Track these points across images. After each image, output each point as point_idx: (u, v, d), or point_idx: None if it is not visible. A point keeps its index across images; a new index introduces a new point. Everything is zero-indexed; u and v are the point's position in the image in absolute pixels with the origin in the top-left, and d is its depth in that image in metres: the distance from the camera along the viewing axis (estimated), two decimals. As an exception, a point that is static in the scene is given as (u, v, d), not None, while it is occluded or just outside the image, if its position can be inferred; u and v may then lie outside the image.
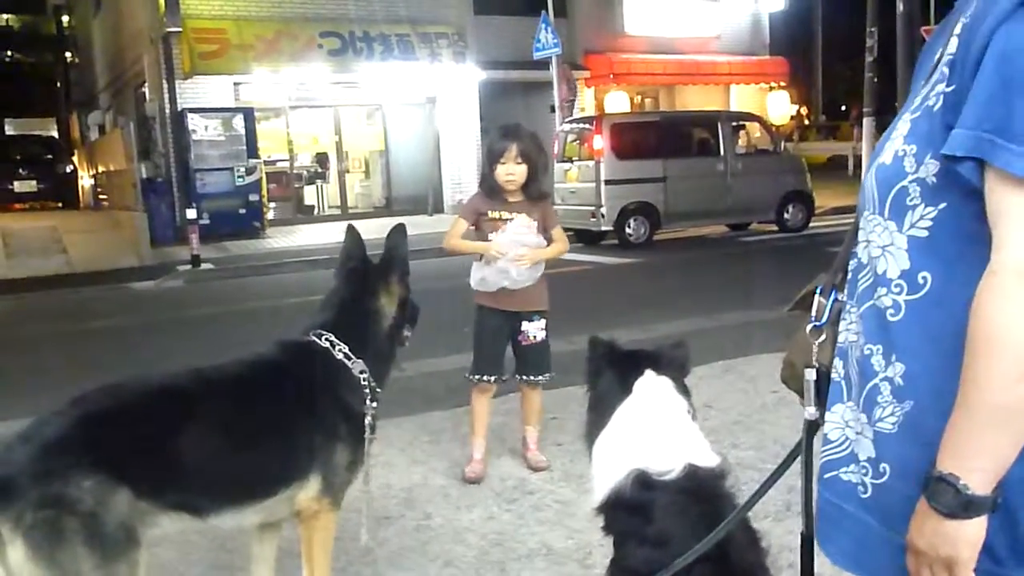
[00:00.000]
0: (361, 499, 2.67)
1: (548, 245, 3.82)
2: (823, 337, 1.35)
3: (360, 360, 2.53)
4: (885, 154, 1.19)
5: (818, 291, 1.39)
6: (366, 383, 2.52)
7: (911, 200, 1.15)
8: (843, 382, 1.28)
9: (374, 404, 2.53)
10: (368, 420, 2.50)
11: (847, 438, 1.26)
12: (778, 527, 3.28)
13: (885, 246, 1.18)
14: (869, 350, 1.22)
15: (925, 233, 1.13)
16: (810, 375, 1.35)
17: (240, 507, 2.37)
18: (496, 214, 3.76)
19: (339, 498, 2.54)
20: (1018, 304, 1.00)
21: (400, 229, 2.76)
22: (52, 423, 2.10)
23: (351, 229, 2.80)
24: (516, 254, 3.64)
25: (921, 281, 1.13)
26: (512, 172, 3.69)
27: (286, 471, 2.40)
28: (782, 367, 1.46)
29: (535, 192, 3.79)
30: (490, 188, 3.78)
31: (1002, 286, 1.01)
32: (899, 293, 1.16)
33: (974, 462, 1.04)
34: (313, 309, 2.74)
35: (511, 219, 3.74)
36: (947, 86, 1.09)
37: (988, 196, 1.04)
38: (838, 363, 1.29)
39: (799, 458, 1.45)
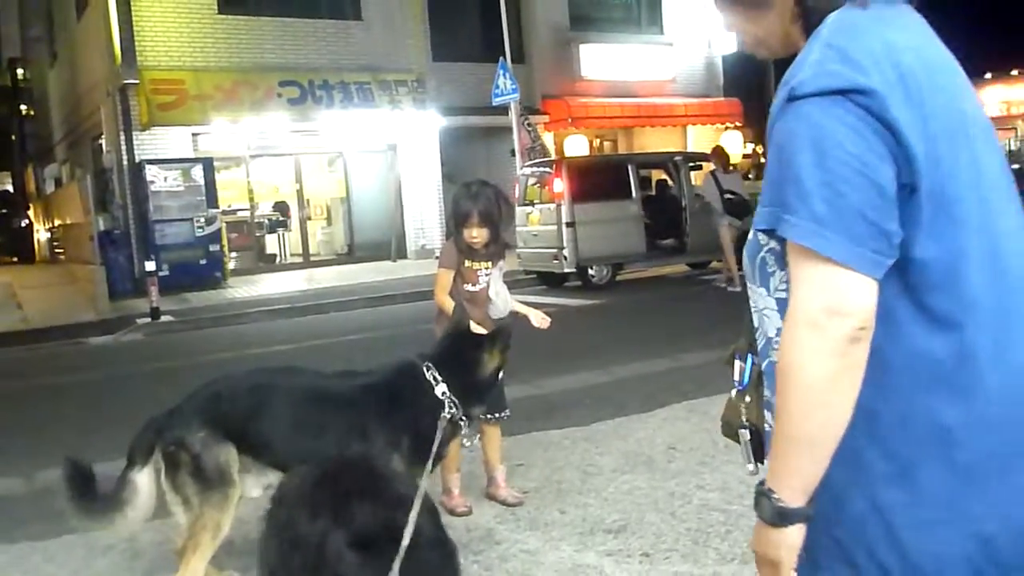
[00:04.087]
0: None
1: None
2: (748, 398, 1.45)
3: (444, 384, 3.12)
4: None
5: (736, 356, 1.50)
6: (449, 406, 3.09)
7: (770, 268, 1.32)
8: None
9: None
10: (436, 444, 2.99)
11: None
12: (746, 569, 3.27)
13: (762, 309, 1.35)
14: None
15: (784, 294, 1.28)
16: (744, 435, 1.45)
17: None
18: (470, 264, 4.04)
19: None
20: (805, 349, 1.16)
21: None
22: (194, 397, 3.10)
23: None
24: (541, 318, 4.11)
25: None
26: (475, 235, 3.97)
27: None
28: (721, 425, 1.53)
29: (496, 247, 4.09)
30: (458, 245, 4.03)
31: (793, 334, 1.18)
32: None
33: (785, 480, 1.21)
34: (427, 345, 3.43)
35: (488, 273, 4.06)
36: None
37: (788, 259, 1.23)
38: (768, 415, 1.39)
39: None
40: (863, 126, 1.15)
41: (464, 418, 3.19)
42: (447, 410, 3.10)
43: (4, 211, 25.59)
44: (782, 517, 1.22)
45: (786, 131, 1.20)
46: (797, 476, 1.21)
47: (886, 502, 1.22)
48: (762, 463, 1.40)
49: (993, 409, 1.20)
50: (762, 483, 1.25)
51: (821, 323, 1.15)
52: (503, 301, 4.06)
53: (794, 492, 1.21)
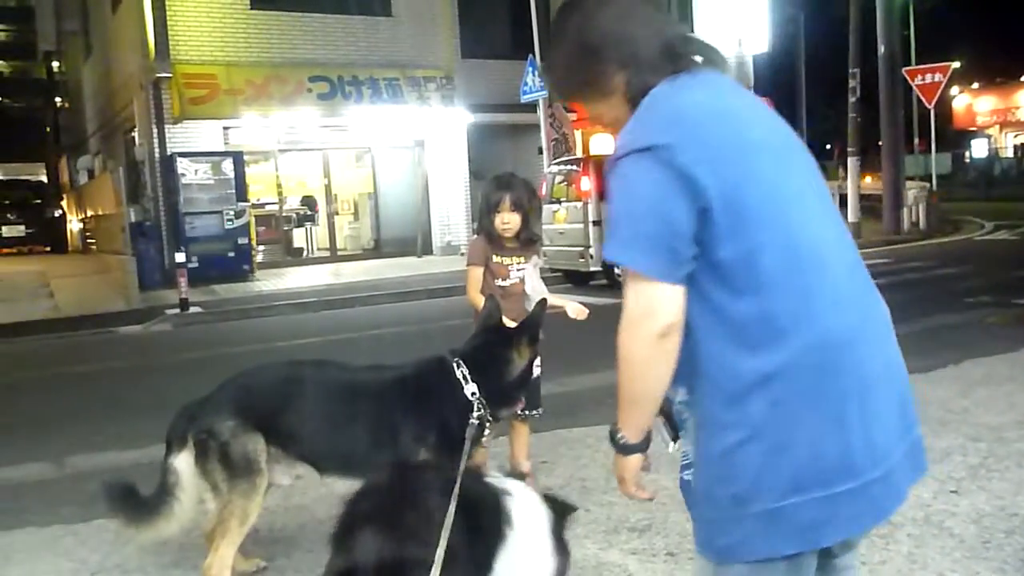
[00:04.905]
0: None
1: None
2: None
3: (474, 384, 3.06)
4: None
5: None
6: (478, 408, 3.03)
7: None
8: None
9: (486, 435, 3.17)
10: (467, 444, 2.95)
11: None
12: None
13: None
14: None
15: None
16: (658, 420, 1.84)
17: (344, 475, 3.12)
18: (499, 259, 4.01)
19: None
20: (628, 340, 1.61)
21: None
22: (226, 387, 3.19)
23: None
24: (578, 309, 4.00)
25: None
26: (507, 221, 3.95)
27: (376, 458, 2.99)
28: None
29: (527, 237, 4.04)
30: (489, 234, 4.01)
31: (622, 328, 1.62)
32: None
33: (626, 425, 1.71)
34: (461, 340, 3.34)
35: (520, 267, 4.03)
36: None
37: None
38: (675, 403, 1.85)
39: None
40: (658, 173, 1.57)
41: (492, 419, 3.13)
42: (475, 412, 3.03)
43: (38, 201, 25.92)
44: (625, 449, 1.73)
45: (611, 182, 1.66)
46: (632, 422, 1.70)
47: (727, 440, 1.61)
48: (676, 441, 1.84)
49: (797, 360, 1.56)
50: (615, 425, 1.73)
51: (638, 322, 1.59)
52: (540, 294, 4.00)
53: (631, 433, 1.71)
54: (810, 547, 1.63)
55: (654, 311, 1.58)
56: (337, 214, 18.56)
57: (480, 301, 3.94)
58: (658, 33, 1.73)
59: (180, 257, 12.17)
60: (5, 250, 23.57)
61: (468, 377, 3.08)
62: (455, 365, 3.11)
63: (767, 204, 1.58)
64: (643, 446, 1.73)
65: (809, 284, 1.58)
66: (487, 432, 3.21)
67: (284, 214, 17.81)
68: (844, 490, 1.58)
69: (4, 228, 23.94)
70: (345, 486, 3.24)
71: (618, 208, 1.63)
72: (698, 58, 1.75)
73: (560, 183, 13.21)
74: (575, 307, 4.00)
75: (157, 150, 15.03)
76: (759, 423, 1.58)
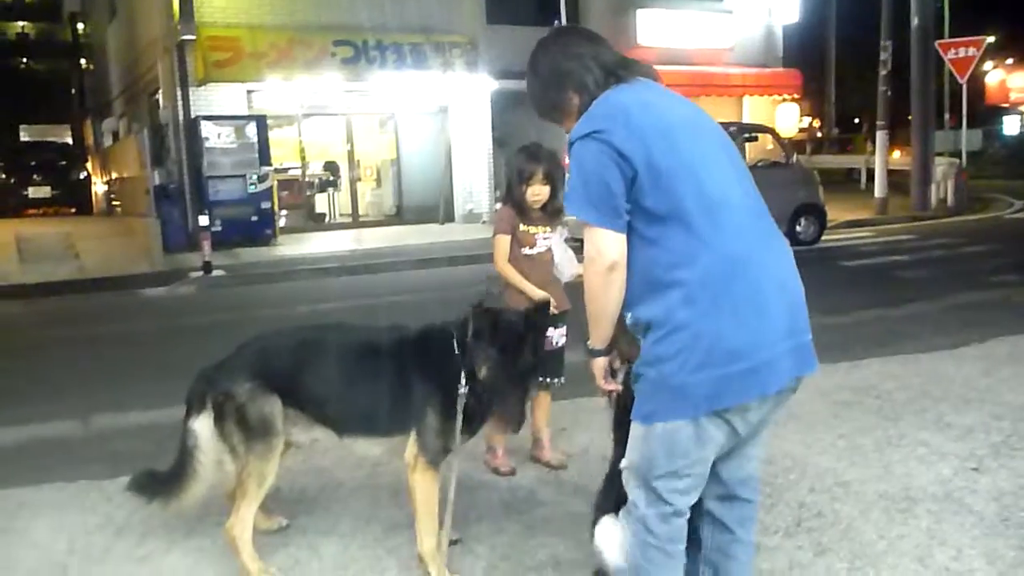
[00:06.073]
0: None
1: None
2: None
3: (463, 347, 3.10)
4: None
5: None
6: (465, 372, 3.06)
7: None
8: None
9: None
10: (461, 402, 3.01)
11: None
12: (788, 542, 3.26)
13: None
14: None
15: None
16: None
17: (361, 435, 3.20)
18: (526, 228, 4.04)
19: (435, 459, 3.09)
20: (588, 272, 2.28)
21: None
22: (243, 351, 3.20)
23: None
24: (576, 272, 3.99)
25: None
26: (538, 192, 3.98)
27: (392, 420, 3.11)
28: None
29: (554, 207, 4.06)
30: (518, 204, 4.02)
31: (584, 265, 2.30)
32: None
33: (592, 336, 2.40)
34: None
35: (546, 236, 4.05)
36: None
37: None
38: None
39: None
40: (599, 151, 2.21)
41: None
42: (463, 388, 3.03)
43: (63, 163, 26.09)
44: (593, 353, 2.44)
45: (569, 158, 2.30)
46: (596, 334, 2.38)
47: (656, 334, 2.21)
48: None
49: (707, 272, 2.15)
50: (587, 338, 2.41)
51: (594, 259, 2.25)
52: (569, 262, 4.04)
53: (596, 342, 2.41)
54: (707, 411, 2.19)
55: (602, 251, 2.22)
56: (359, 180, 18.54)
57: (509, 270, 3.98)
58: (600, 61, 2.40)
59: (204, 220, 12.23)
60: (31, 211, 23.77)
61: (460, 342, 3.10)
62: (452, 333, 3.12)
63: (682, 166, 2.20)
64: (606, 351, 2.43)
65: (718, 220, 2.18)
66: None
67: (307, 179, 17.82)
68: (736, 369, 2.15)
69: (30, 189, 24.13)
70: (364, 447, 3.27)
71: (574, 177, 2.26)
72: (633, 72, 2.40)
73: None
74: None
75: (181, 113, 15.03)
76: (679, 321, 2.17)
